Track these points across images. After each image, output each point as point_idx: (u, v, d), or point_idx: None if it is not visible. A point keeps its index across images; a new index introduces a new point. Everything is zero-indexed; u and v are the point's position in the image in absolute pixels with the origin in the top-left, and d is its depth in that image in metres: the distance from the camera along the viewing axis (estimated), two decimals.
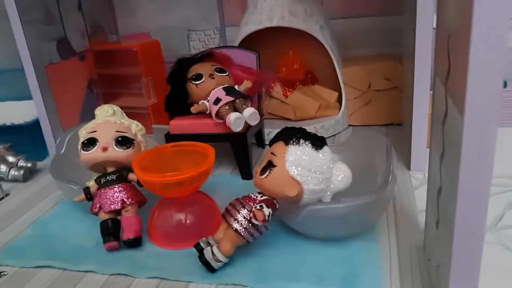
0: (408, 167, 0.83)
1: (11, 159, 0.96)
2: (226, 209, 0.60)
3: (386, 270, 0.56)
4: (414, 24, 0.74)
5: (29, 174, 0.96)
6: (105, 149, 0.68)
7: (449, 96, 0.43)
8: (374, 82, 1.04)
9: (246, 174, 0.85)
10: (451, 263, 0.42)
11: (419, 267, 0.57)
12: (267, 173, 0.58)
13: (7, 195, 0.88)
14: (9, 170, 0.93)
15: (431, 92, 0.54)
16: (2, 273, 0.63)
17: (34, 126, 1.01)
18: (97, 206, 0.67)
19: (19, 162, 0.95)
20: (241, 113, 0.81)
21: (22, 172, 0.93)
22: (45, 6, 0.98)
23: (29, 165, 0.96)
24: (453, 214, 0.41)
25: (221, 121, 0.82)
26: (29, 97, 0.98)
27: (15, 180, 0.94)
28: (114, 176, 0.69)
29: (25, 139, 1.01)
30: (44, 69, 0.98)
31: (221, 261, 0.58)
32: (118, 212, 0.67)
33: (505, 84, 1.01)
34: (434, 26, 0.70)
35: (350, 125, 1.08)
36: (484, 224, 0.40)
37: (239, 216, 0.58)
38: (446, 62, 0.45)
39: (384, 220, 0.67)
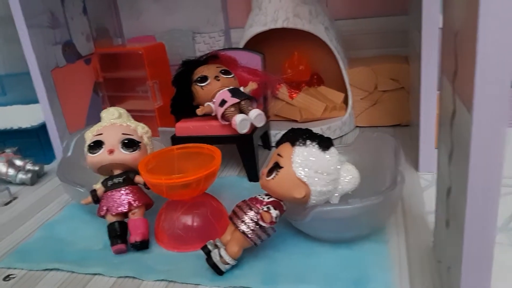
0: (416, 168, 0.83)
1: (18, 162, 0.96)
2: (233, 211, 0.60)
3: (396, 272, 0.56)
4: (420, 24, 0.74)
5: (37, 178, 0.96)
6: (111, 151, 0.68)
7: (457, 95, 0.43)
8: (380, 83, 1.03)
9: (253, 176, 0.85)
10: (462, 265, 0.42)
11: (430, 268, 0.56)
12: (273, 174, 0.58)
13: (15, 198, 0.89)
14: (17, 174, 0.94)
15: (439, 92, 0.54)
16: (10, 276, 0.63)
17: (41, 130, 1.01)
18: (104, 208, 0.67)
19: (27, 166, 0.96)
20: (247, 115, 0.80)
21: (29, 175, 0.93)
22: (50, 10, 0.99)
23: (36, 168, 0.96)
24: (463, 214, 0.40)
25: (227, 123, 0.82)
26: (35, 100, 0.98)
27: (22, 183, 0.94)
28: (121, 178, 0.69)
29: (32, 142, 1.02)
30: (50, 73, 0.98)
31: (228, 264, 0.58)
32: (125, 214, 0.67)
33: None
34: (440, 25, 0.69)
35: (357, 126, 1.08)
36: (495, 224, 0.40)
37: (246, 218, 0.57)
38: (453, 61, 0.44)
39: (393, 222, 0.67)
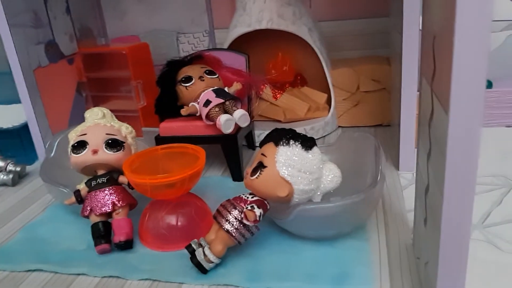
0: (396, 167, 0.84)
1: None
2: (217, 210, 0.60)
3: (376, 268, 0.57)
4: (401, 26, 0.75)
5: (18, 178, 0.95)
6: (95, 152, 0.68)
7: (435, 96, 0.44)
8: (362, 84, 1.05)
9: (237, 175, 0.86)
10: (439, 260, 0.43)
11: (409, 264, 0.58)
12: (257, 174, 0.59)
13: None
14: None
15: (418, 92, 0.55)
16: None
17: (23, 130, 1.00)
18: (88, 209, 0.67)
19: (8, 166, 0.95)
20: (231, 115, 0.81)
21: (11, 176, 0.92)
22: (33, 9, 0.98)
23: (18, 169, 0.95)
24: (439, 212, 0.42)
25: (211, 123, 0.82)
26: (17, 100, 0.97)
27: (4, 184, 0.93)
28: (105, 178, 0.69)
29: (14, 143, 1.01)
30: (33, 73, 0.97)
31: (212, 262, 0.58)
32: (109, 214, 0.67)
33: (490, 85, 1.03)
34: (421, 28, 0.71)
35: (339, 126, 1.09)
36: (470, 222, 0.41)
37: (230, 217, 0.58)
38: (432, 63, 0.45)
39: (374, 219, 0.68)
